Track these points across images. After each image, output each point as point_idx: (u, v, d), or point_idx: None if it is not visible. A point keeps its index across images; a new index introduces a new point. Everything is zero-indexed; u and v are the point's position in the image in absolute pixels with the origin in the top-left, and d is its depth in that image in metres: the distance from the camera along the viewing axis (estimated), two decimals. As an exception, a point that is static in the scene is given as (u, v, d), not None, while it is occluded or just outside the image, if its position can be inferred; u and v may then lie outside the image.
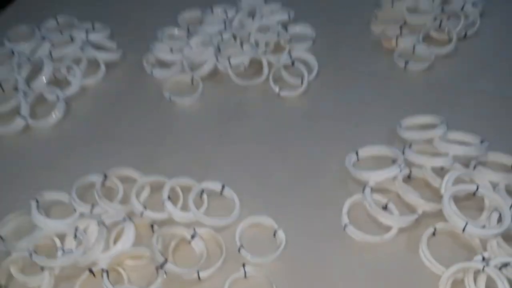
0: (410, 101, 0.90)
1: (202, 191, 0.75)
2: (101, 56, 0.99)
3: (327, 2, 1.15)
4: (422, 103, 0.89)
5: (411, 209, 0.72)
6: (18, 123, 0.87)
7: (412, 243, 0.69)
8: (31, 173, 0.82)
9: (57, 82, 0.96)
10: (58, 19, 1.10)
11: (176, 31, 1.05)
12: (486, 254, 0.64)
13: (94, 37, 1.03)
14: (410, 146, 0.78)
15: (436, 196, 0.72)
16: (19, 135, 0.88)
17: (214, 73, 0.97)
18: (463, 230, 0.66)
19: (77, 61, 0.98)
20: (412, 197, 0.71)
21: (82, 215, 0.72)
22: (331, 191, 0.76)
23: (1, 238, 0.71)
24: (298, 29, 1.05)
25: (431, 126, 0.82)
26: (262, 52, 0.97)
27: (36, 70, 0.96)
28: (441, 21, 1.01)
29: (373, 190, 0.73)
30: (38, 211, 0.71)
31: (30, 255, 0.66)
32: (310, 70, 0.95)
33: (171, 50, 1.00)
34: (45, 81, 0.93)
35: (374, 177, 0.74)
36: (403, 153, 0.77)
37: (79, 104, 0.93)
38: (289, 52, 0.98)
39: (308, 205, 0.75)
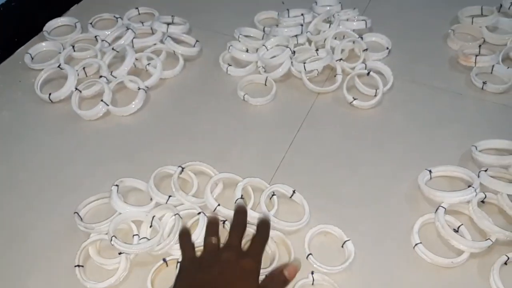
0: (486, 123, 0.88)
1: (273, 194, 0.77)
2: (180, 50, 1.00)
3: (404, 13, 1.13)
4: (499, 126, 0.87)
5: (482, 234, 0.71)
6: (101, 108, 0.90)
7: (482, 270, 0.68)
8: (109, 158, 0.84)
9: (137, 71, 0.98)
10: (140, 10, 1.13)
11: (252, 32, 1.06)
12: (561, 291, 0.63)
13: (174, 30, 1.04)
14: (486, 170, 0.77)
15: (511, 224, 0.70)
16: (100, 120, 0.91)
17: (288, 76, 0.98)
18: (541, 264, 0.64)
19: (157, 53, 1.00)
20: (486, 223, 0.70)
21: (158, 204, 0.75)
22: (401, 208, 0.76)
23: (81, 218, 0.74)
24: (374, 38, 1.04)
25: (508, 152, 0.80)
26: (337, 59, 0.96)
27: (118, 58, 0.99)
28: (523, 43, 0.98)
29: (446, 211, 0.73)
30: (118, 196, 0.74)
31: (111, 239, 0.69)
32: (384, 82, 0.94)
33: (247, 50, 1.01)
34: (127, 70, 0.96)
35: (448, 199, 0.73)
36: (478, 176, 0.76)
37: (157, 95, 0.95)
38: (364, 61, 0.97)
39: (377, 219, 0.75)
